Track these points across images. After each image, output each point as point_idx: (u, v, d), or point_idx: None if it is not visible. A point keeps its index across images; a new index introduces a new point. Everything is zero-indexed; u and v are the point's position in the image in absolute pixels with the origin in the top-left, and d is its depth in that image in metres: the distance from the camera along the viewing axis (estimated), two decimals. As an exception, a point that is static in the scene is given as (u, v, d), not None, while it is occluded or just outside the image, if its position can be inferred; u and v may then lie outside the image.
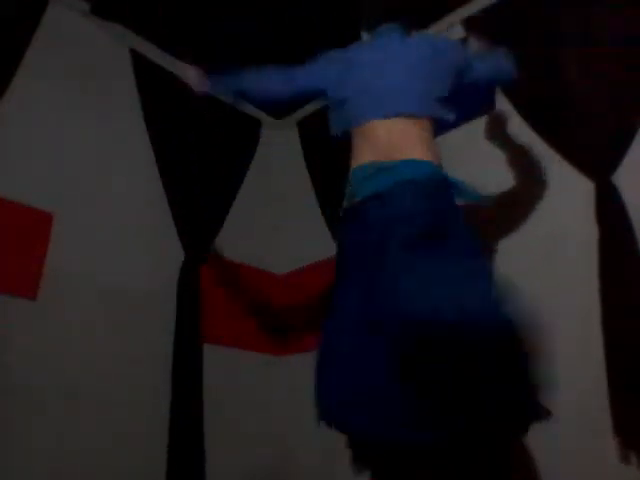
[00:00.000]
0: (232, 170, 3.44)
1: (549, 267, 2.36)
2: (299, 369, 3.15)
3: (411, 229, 1.59)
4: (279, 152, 3.72)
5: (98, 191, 2.75)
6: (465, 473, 1.55)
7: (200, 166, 3.22)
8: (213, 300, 3.00)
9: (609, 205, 2.22)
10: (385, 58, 1.88)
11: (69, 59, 2.80)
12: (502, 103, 2.69)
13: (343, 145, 3.33)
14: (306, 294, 3.21)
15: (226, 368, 2.97)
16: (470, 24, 2.90)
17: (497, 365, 1.52)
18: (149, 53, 3.17)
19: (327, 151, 3.40)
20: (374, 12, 1.98)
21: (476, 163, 2.76)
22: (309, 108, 3.63)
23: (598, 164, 2.30)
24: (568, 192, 2.39)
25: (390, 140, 1.73)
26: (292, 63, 2.05)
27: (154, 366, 2.71)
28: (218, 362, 2.93)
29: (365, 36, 2.06)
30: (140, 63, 3.11)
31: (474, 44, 2.05)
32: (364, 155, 1.78)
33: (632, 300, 2.06)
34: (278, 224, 3.56)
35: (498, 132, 2.67)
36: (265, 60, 2.08)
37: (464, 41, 2.46)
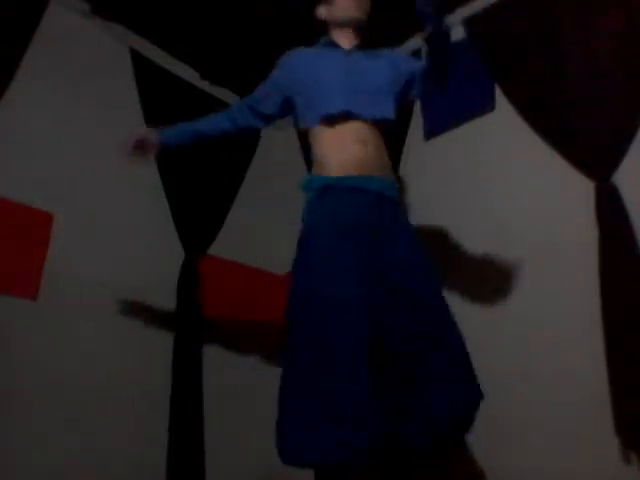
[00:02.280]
0: (232, 170, 3.45)
1: (549, 267, 2.36)
2: (299, 369, 3.16)
3: None
4: (279, 152, 3.71)
5: (98, 191, 2.75)
6: None
7: (200, 165, 3.22)
8: (213, 300, 3.00)
9: (609, 205, 2.22)
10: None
11: (69, 59, 2.80)
12: (502, 103, 2.70)
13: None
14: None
15: (226, 368, 2.97)
16: (470, 24, 2.91)
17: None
18: (149, 53, 3.17)
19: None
20: None
21: (476, 163, 2.76)
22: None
23: (598, 164, 2.30)
24: (568, 192, 2.39)
25: None
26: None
27: (154, 366, 2.71)
28: (218, 362, 2.93)
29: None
30: (140, 63, 3.11)
31: None
32: None
33: (632, 300, 2.06)
34: (278, 224, 3.56)
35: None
36: (264, 60, 2.09)
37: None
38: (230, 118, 2.02)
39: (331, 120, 1.75)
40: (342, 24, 1.92)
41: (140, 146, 2.03)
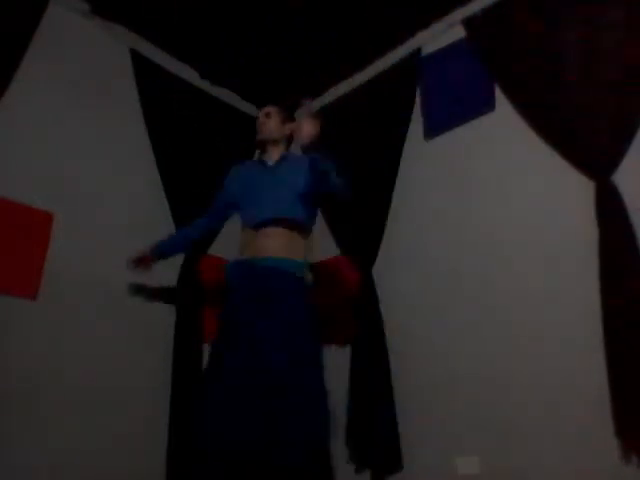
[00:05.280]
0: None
1: (549, 267, 2.37)
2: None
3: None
4: (279, 152, 3.71)
5: (98, 191, 2.75)
6: None
7: (200, 165, 3.22)
8: (213, 300, 3.00)
9: (609, 205, 2.22)
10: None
11: (69, 59, 2.80)
12: (502, 103, 2.70)
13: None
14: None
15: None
16: (470, 24, 2.91)
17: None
18: (149, 53, 3.17)
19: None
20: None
21: (476, 162, 2.76)
22: (309, 108, 3.63)
23: (598, 164, 2.30)
24: (568, 192, 2.40)
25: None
26: (290, 61, 2.02)
27: (154, 366, 2.71)
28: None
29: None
30: (140, 63, 3.11)
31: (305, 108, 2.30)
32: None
33: (632, 300, 2.06)
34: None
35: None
36: (262, 60, 2.09)
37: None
38: (198, 228, 2.57)
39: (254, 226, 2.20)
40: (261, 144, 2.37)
41: (140, 262, 2.46)
